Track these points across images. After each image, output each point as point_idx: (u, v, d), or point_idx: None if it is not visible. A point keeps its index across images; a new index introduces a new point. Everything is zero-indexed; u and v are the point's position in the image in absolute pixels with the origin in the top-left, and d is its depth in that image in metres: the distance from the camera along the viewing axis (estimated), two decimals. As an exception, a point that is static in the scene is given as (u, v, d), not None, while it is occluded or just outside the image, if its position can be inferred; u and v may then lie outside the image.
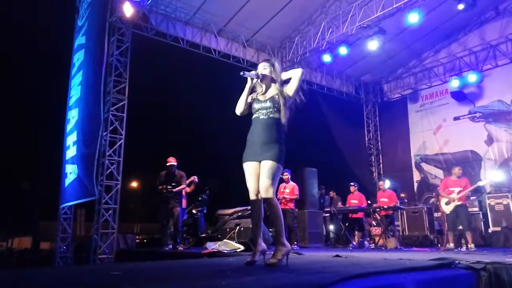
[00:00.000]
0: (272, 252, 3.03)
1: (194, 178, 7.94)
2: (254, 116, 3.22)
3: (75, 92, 8.82)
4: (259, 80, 3.24)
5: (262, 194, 3.01)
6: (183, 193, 7.93)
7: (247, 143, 3.21)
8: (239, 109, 3.27)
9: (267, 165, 3.01)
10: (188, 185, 7.91)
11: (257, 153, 3.09)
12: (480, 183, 7.26)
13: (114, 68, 8.43)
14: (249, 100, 3.27)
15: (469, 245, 6.73)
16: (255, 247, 3.06)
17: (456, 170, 7.31)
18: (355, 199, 8.95)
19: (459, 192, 7.01)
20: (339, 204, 9.68)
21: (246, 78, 3.26)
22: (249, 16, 9.94)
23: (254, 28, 10.53)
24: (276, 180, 3.08)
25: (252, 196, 3.11)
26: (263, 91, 3.27)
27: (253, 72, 3.26)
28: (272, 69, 3.25)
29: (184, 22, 9.81)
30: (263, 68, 3.28)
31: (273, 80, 3.24)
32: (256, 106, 3.21)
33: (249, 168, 3.13)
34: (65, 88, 9.36)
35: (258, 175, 3.07)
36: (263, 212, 3.17)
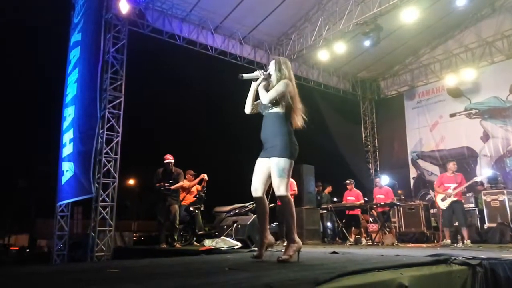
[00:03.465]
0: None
1: (204, 176, 7.93)
2: (263, 114, 3.29)
3: (71, 89, 8.77)
4: (267, 78, 3.29)
5: (276, 192, 3.08)
6: (195, 190, 7.92)
7: None
8: (247, 108, 3.37)
9: (274, 162, 3.06)
10: (199, 183, 7.92)
11: (266, 149, 3.16)
12: (476, 179, 7.25)
13: (110, 65, 8.39)
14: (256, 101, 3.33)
15: (465, 241, 6.74)
16: (262, 241, 3.15)
17: (451, 165, 7.26)
18: (352, 196, 8.98)
19: (454, 188, 7.00)
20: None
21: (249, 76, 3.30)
22: (245, 13, 9.91)
23: (250, 25, 10.50)
24: (287, 175, 3.06)
25: (252, 193, 3.18)
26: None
27: (256, 72, 3.31)
28: (272, 67, 3.30)
29: (181, 19, 9.77)
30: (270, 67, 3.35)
31: (272, 77, 3.29)
32: (261, 103, 3.27)
33: (257, 164, 3.21)
34: (61, 86, 9.31)
35: (262, 172, 3.15)
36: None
